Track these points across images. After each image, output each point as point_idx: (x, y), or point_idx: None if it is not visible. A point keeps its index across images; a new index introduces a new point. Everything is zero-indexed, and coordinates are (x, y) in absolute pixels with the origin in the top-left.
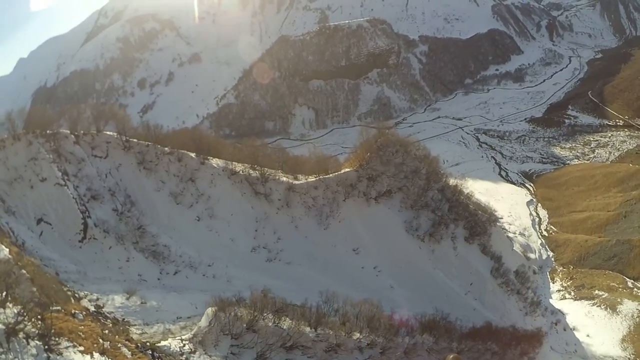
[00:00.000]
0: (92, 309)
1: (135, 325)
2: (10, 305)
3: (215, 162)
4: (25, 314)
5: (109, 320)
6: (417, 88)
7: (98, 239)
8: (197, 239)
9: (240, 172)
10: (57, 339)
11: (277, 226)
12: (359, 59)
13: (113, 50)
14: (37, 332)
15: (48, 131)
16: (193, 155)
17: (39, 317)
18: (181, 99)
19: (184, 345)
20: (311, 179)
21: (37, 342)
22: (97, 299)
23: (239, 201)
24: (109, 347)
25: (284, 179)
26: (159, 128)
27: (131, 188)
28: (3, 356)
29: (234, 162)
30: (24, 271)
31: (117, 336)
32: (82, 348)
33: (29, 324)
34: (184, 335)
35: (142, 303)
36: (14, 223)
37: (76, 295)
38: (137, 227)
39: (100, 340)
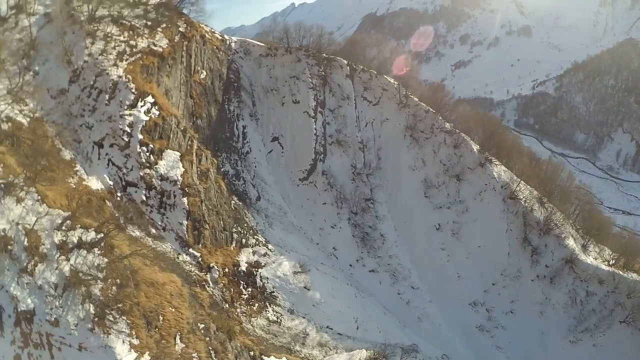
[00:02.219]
0: (244, 267)
1: (278, 305)
2: (97, 252)
3: (498, 170)
4: (105, 268)
5: (250, 289)
6: None
7: (318, 188)
8: (422, 248)
9: (523, 200)
10: (117, 316)
11: (521, 296)
12: None
13: None
14: (100, 297)
15: (324, 55)
16: (475, 148)
17: (118, 281)
18: (498, 68)
19: None
20: (603, 265)
21: (92, 308)
22: (265, 255)
23: (498, 237)
24: (178, 352)
25: (570, 242)
26: (449, 97)
27: (386, 152)
28: (50, 298)
29: (521, 182)
30: (184, 200)
31: (208, 338)
32: (136, 341)
33: (100, 284)
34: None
35: (304, 287)
36: (251, 129)
37: (244, 240)
38: (365, 198)
39: (175, 340)
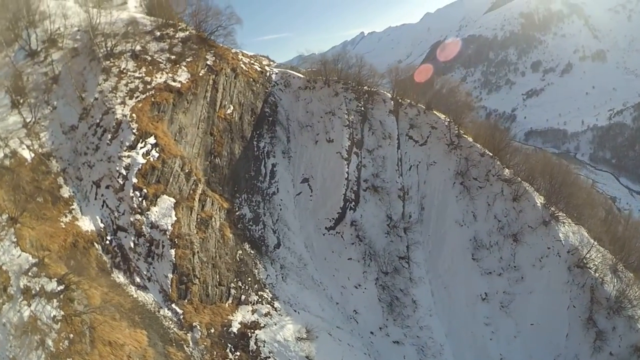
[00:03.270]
0: (236, 328)
1: None
2: (55, 303)
3: (566, 230)
4: (61, 321)
5: (239, 353)
6: None
7: (344, 240)
8: (462, 320)
9: (593, 269)
10: None
11: None
12: None
13: (514, 24)
14: (52, 348)
15: (366, 87)
16: (539, 202)
17: (70, 336)
18: (572, 96)
19: None
20: None
21: (44, 356)
22: (267, 314)
23: (558, 315)
24: None
25: None
26: (508, 136)
27: (430, 201)
28: (10, 337)
29: (594, 245)
30: (172, 251)
31: None
32: None
33: (54, 335)
34: None
35: (306, 357)
36: (282, 168)
37: (243, 296)
38: (400, 256)
39: None
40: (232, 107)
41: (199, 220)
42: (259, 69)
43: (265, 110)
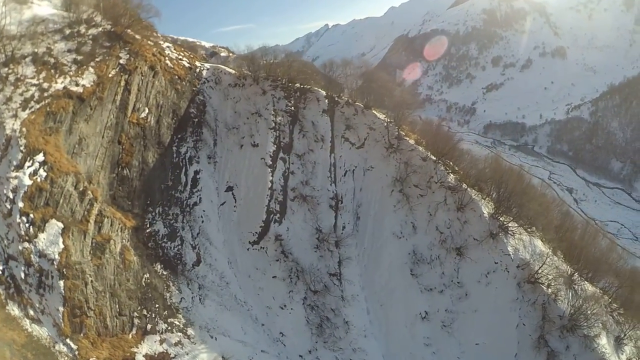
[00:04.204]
0: None
1: None
2: None
3: (516, 243)
4: None
5: None
6: None
7: (269, 256)
8: (400, 341)
9: (545, 285)
10: None
11: None
12: None
13: (477, 20)
14: None
15: (298, 85)
16: (486, 211)
17: None
18: (531, 91)
19: None
20: None
21: None
22: (177, 343)
23: (505, 334)
24: None
25: (601, 342)
26: (453, 140)
27: (365, 210)
28: None
29: (548, 256)
30: (61, 283)
31: None
32: None
33: None
34: None
35: None
36: (206, 175)
37: (149, 325)
38: (330, 273)
39: None
40: (147, 110)
41: (94, 245)
42: (187, 64)
43: (190, 111)
